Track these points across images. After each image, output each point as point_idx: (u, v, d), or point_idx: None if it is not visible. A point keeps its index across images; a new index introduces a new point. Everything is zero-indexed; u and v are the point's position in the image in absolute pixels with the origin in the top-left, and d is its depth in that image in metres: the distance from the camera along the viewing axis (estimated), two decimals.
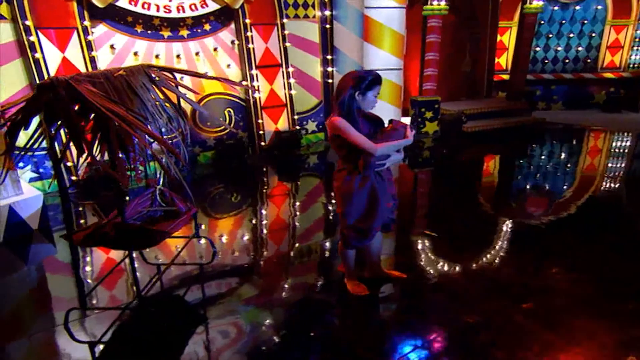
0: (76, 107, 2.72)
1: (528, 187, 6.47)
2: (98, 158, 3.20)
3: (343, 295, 3.50)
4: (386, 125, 3.18)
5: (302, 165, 7.78)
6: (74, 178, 6.17)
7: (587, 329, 3.02)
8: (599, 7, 11.31)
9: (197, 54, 7.20)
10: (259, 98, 7.82)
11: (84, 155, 2.63)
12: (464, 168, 7.60)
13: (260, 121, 7.89)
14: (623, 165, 7.27)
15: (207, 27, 7.23)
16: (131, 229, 3.12)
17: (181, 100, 3.65)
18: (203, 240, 4.57)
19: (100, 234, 3.00)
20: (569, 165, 7.48)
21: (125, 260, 3.97)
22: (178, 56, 7.04)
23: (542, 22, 11.43)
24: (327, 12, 8.14)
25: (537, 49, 11.69)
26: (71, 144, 2.60)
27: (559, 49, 11.74)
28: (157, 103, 3.16)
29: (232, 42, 7.49)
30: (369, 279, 3.64)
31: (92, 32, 6.23)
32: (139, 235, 3.13)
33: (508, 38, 11.57)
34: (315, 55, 8.42)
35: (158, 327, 3.26)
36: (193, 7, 6.86)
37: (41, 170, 6.10)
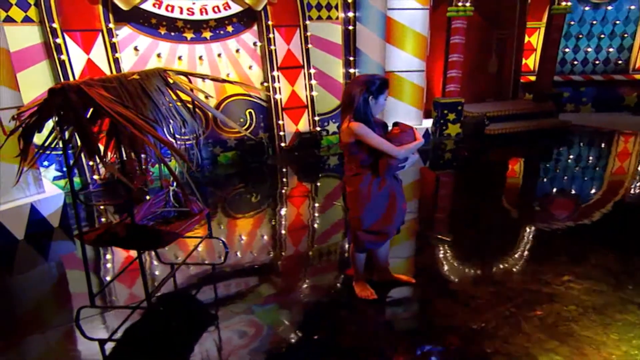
0: (90, 111, 2.79)
1: (545, 192, 6.32)
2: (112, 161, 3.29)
3: (350, 299, 3.50)
4: (390, 128, 3.19)
5: (322, 166, 7.79)
6: (96, 177, 6.33)
7: (595, 341, 2.94)
8: (632, 7, 10.96)
9: (219, 55, 7.28)
10: (280, 99, 7.86)
11: (97, 158, 2.69)
12: (483, 171, 7.47)
13: (281, 122, 7.94)
14: None
15: (229, 29, 7.31)
16: (140, 230, 3.18)
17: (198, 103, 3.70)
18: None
19: (111, 234, 3.07)
20: (596, 168, 7.27)
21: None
22: (200, 58, 7.13)
23: (572, 23, 11.15)
24: (350, 14, 8.11)
25: (567, 50, 11.40)
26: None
27: (589, 50, 11.42)
28: (170, 106, 3.21)
29: (254, 43, 7.55)
30: (377, 282, 3.63)
31: (117, 34, 6.37)
32: (148, 235, 3.19)
33: (536, 39, 11.30)
34: (338, 57, 8.40)
35: (167, 326, 3.32)
36: (216, 9, 6.94)
37: (65, 168, 6.25)
